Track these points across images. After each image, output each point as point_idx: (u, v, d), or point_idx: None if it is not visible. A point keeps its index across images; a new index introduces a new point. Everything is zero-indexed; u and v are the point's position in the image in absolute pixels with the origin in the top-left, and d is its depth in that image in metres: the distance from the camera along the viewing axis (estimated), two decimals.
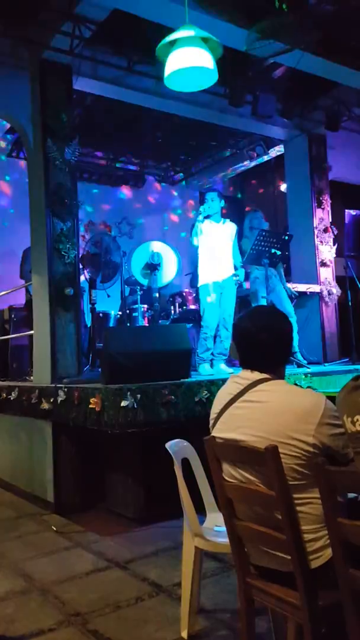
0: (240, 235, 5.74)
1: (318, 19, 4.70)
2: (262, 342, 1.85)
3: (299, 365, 5.41)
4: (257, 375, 1.83)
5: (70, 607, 2.76)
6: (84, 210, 7.85)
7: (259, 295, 5.71)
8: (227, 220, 5.35)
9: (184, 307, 6.60)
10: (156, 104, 6.02)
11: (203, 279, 5.18)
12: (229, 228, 5.33)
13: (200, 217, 5.20)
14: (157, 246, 5.75)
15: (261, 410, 1.75)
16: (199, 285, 5.23)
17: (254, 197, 10.13)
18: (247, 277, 6.56)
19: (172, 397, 3.75)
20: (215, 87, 4.91)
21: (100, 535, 3.88)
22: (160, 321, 6.43)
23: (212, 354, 5.27)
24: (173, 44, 3.85)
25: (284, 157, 7.52)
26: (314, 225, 6.88)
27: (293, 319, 5.86)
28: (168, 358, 4.08)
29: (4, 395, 5.26)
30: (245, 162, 8.63)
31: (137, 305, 6.43)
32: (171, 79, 4.03)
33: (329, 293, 6.84)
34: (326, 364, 6.21)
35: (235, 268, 5.32)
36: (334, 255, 7.02)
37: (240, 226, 5.87)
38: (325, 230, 6.96)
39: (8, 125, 6.94)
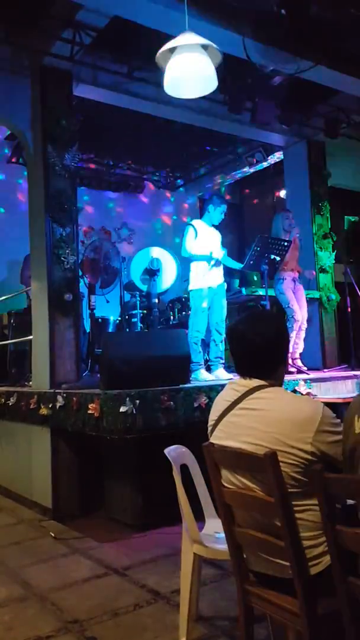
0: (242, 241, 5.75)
1: (318, 27, 4.73)
2: (255, 346, 1.83)
3: (299, 372, 5.41)
4: (254, 382, 1.83)
5: (68, 614, 2.75)
6: (83, 215, 7.87)
7: (284, 300, 5.73)
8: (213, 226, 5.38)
9: (183, 313, 6.60)
10: (156, 110, 6.04)
11: (197, 284, 5.18)
12: (218, 234, 5.37)
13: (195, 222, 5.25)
14: (156, 252, 5.76)
15: (259, 419, 1.74)
16: (192, 289, 5.23)
17: (253, 203, 10.16)
18: (245, 281, 6.58)
19: (171, 402, 3.74)
20: (215, 94, 4.92)
21: (98, 541, 3.87)
22: (159, 327, 6.42)
23: (208, 358, 5.27)
24: (173, 50, 3.87)
25: (283, 163, 7.55)
26: (313, 232, 6.89)
27: (304, 325, 5.86)
28: (167, 364, 4.08)
29: (3, 400, 5.25)
30: (245, 169, 8.66)
31: (136, 311, 6.43)
32: (171, 85, 4.04)
33: (328, 299, 6.84)
34: (325, 370, 6.21)
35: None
36: (333, 262, 7.03)
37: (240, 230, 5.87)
38: (325, 237, 6.97)
39: (8, 131, 6.96)
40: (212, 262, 5.09)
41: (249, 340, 1.84)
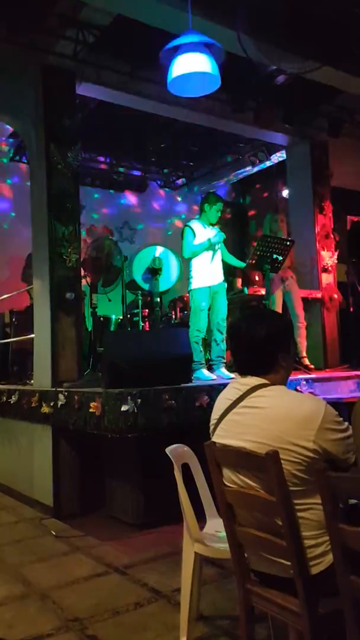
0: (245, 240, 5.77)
1: (322, 27, 4.72)
2: (248, 343, 1.86)
3: (306, 371, 5.42)
4: (255, 381, 1.83)
5: (69, 613, 2.75)
6: (85, 214, 7.87)
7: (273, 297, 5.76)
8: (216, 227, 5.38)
9: (185, 312, 6.60)
10: (159, 109, 6.05)
11: (197, 283, 5.19)
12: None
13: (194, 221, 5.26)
14: (158, 251, 5.76)
15: (261, 417, 1.74)
16: (191, 288, 5.25)
17: (255, 203, 10.15)
18: (247, 281, 6.59)
19: (173, 402, 3.74)
20: (218, 93, 4.93)
21: (99, 540, 3.87)
22: (160, 326, 6.42)
23: (210, 358, 5.28)
24: (176, 49, 3.87)
25: (286, 163, 7.54)
26: (316, 232, 6.88)
27: (301, 323, 5.87)
28: (168, 363, 4.08)
29: (4, 398, 5.26)
30: (248, 168, 8.66)
31: (138, 310, 6.43)
32: (174, 84, 4.05)
33: (331, 299, 6.84)
34: (327, 370, 6.21)
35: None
36: (336, 261, 7.02)
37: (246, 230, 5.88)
38: (327, 237, 6.97)
39: (11, 130, 6.97)
40: (212, 245, 5.07)
41: (242, 337, 1.88)
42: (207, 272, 5.15)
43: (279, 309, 5.75)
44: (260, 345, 1.84)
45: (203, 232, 5.21)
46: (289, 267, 6.08)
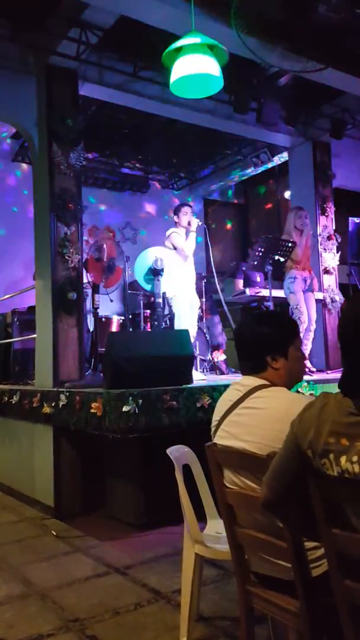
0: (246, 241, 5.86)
1: (324, 27, 4.72)
2: (240, 343, 1.96)
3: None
4: (255, 382, 1.84)
5: (69, 613, 2.75)
6: (87, 215, 7.87)
7: (293, 299, 5.75)
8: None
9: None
10: (161, 110, 6.05)
11: (177, 290, 5.33)
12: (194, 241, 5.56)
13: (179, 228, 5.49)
14: (160, 252, 5.75)
15: (260, 417, 1.75)
16: (172, 295, 5.37)
17: (257, 204, 10.15)
18: (248, 282, 6.59)
19: (174, 402, 3.74)
20: (221, 94, 4.94)
21: (100, 540, 3.87)
22: (162, 327, 6.42)
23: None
24: (179, 50, 3.88)
25: (288, 164, 7.54)
26: (318, 233, 6.87)
27: (312, 326, 5.86)
28: (170, 363, 4.08)
29: (6, 398, 5.26)
30: (250, 169, 8.66)
31: (139, 310, 6.43)
32: (177, 85, 4.05)
33: (332, 300, 6.83)
34: (329, 372, 6.20)
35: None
36: (337, 263, 7.01)
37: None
38: (329, 238, 6.96)
39: (14, 130, 6.97)
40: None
41: (236, 337, 2.03)
42: (184, 278, 5.32)
43: (303, 308, 5.72)
44: (246, 345, 1.94)
45: (183, 237, 5.44)
46: (307, 268, 6.01)
